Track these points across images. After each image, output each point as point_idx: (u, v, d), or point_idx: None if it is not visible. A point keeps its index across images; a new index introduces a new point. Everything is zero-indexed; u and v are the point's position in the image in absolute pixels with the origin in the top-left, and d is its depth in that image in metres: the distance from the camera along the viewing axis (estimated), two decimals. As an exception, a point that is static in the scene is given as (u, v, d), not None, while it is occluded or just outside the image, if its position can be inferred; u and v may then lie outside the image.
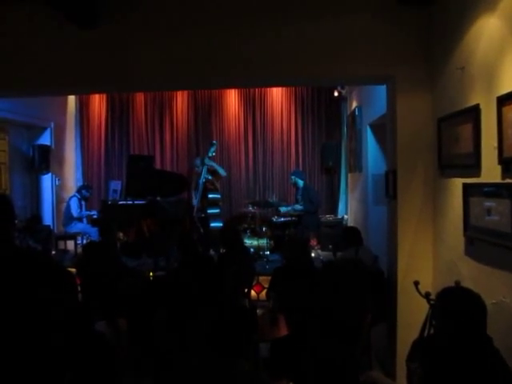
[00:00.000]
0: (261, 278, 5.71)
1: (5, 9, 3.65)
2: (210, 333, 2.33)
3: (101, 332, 2.68)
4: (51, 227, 7.22)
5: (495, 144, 2.37)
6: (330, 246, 7.27)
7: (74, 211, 7.23)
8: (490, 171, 2.46)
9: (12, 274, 1.76)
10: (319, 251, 7.28)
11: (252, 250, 6.74)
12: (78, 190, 7.59)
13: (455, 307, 1.93)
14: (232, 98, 8.58)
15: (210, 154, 7.38)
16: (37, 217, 7.04)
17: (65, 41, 3.66)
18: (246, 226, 7.70)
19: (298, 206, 7.13)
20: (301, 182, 7.26)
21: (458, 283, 2.60)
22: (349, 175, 7.92)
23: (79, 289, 4.05)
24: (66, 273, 2.02)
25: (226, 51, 3.55)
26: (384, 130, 4.02)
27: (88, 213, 7.64)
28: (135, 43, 3.62)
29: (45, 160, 7.25)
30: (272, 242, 7.10)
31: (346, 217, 7.97)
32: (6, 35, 3.70)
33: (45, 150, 7.29)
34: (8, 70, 3.71)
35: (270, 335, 3.16)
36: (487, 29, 2.53)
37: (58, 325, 1.86)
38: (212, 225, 7.23)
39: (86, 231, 7.30)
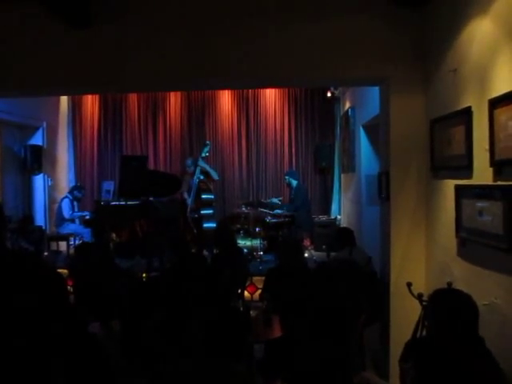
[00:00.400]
0: (254, 278, 5.71)
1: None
2: (203, 334, 2.33)
3: (94, 334, 2.67)
4: (43, 228, 7.18)
5: (487, 146, 2.39)
6: (324, 247, 7.28)
7: (66, 213, 7.18)
8: (482, 173, 2.48)
9: (1, 276, 1.75)
10: (312, 251, 7.30)
11: (245, 250, 6.74)
12: (70, 191, 7.54)
13: (447, 309, 1.94)
14: (225, 99, 8.57)
15: (203, 155, 7.36)
16: (29, 217, 6.99)
17: (58, 41, 3.63)
18: (239, 226, 7.70)
19: (286, 206, 7.18)
20: (294, 182, 7.29)
21: (450, 284, 2.62)
22: (342, 176, 7.94)
23: (71, 290, 4.05)
24: (56, 275, 2.01)
25: (222, 52, 3.55)
26: (377, 131, 4.03)
27: (80, 214, 7.59)
28: (130, 44, 3.61)
29: (37, 160, 7.20)
30: (265, 242, 7.10)
31: (339, 217, 8.00)
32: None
33: (37, 150, 7.24)
34: (1, 71, 3.68)
35: (264, 336, 3.16)
36: (480, 31, 2.55)
37: (48, 328, 1.85)
38: (205, 225, 7.21)
39: (78, 232, 7.26)
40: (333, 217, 8.05)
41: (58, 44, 3.64)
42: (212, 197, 7.50)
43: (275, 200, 7.57)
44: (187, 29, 3.56)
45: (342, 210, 8.03)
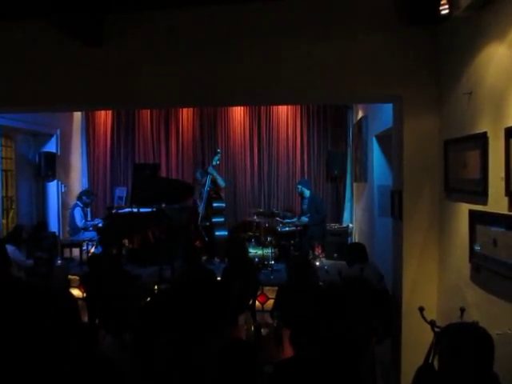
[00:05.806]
0: (265, 288, 5.72)
1: (13, 28, 3.69)
2: (213, 359, 2.33)
3: (103, 354, 2.68)
4: (57, 234, 7.24)
5: (502, 175, 2.35)
6: (335, 255, 7.26)
7: (79, 221, 7.22)
8: (497, 201, 2.44)
9: (9, 310, 1.78)
10: (324, 260, 7.27)
11: (256, 259, 6.73)
12: (79, 197, 7.54)
13: (460, 346, 1.91)
14: (238, 107, 8.52)
15: (214, 163, 7.33)
16: (42, 224, 7.06)
17: (72, 59, 3.69)
18: (250, 234, 7.69)
19: (304, 218, 7.09)
20: (307, 192, 7.22)
21: (462, 310, 2.58)
22: (354, 184, 7.89)
23: (84, 296, 4.08)
24: (64, 301, 2.04)
25: (235, 71, 3.56)
26: (390, 142, 4.00)
27: (93, 223, 7.59)
28: (142, 62, 3.63)
29: (51, 167, 7.28)
30: (276, 250, 7.08)
31: (351, 225, 7.96)
32: (14, 54, 3.74)
33: (51, 157, 7.34)
34: (17, 87, 3.76)
35: (275, 356, 3.16)
36: (496, 56, 2.51)
37: (58, 355, 1.87)
38: (217, 233, 7.22)
39: (94, 239, 7.29)
40: (344, 225, 8.01)
41: (71, 62, 3.69)
42: (223, 205, 7.49)
43: (276, 211, 7.58)
44: (200, 47, 3.57)
45: (354, 219, 7.99)
